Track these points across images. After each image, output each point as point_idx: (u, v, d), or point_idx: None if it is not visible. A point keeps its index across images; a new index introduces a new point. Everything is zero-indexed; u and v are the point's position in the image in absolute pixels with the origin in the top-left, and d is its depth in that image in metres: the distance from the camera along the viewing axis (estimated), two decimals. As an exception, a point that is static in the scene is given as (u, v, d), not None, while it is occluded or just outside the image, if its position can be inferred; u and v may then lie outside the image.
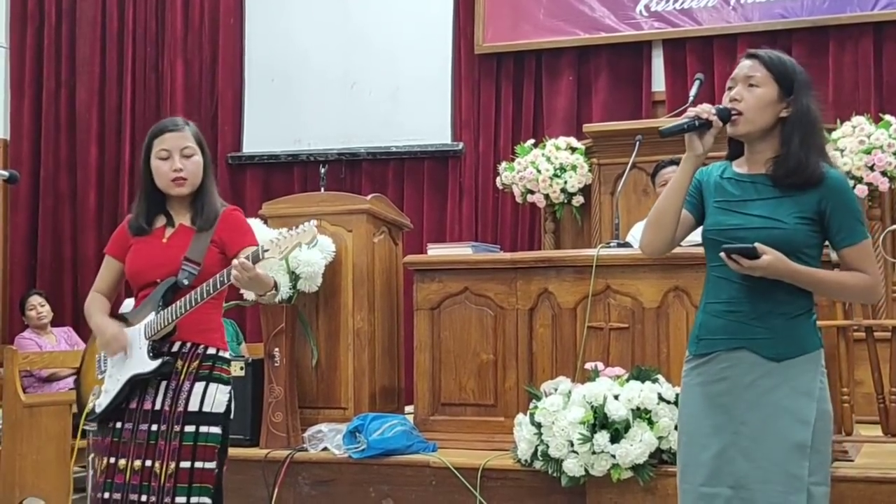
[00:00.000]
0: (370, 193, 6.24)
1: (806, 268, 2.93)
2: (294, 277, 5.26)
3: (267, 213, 5.71)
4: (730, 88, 3.09)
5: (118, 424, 3.67)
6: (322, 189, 6.77)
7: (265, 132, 9.04)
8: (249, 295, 5.20)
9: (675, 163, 5.85)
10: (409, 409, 5.78)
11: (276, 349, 5.36)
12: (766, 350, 2.97)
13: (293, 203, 5.86)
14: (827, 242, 3.06)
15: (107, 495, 3.63)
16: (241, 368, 5.44)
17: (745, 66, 3.07)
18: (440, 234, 8.41)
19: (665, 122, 6.62)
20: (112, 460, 3.64)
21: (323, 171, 7.12)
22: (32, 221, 9.48)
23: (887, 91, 7.51)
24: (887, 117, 6.29)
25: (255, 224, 5.27)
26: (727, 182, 3.10)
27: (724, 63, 7.88)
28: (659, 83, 8.15)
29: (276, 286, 3.66)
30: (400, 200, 8.37)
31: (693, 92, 6.49)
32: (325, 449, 5.12)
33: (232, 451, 5.09)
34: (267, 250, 3.43)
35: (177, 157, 3.70)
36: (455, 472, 4.82)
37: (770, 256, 2.86)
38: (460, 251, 5.52)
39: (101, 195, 9.29)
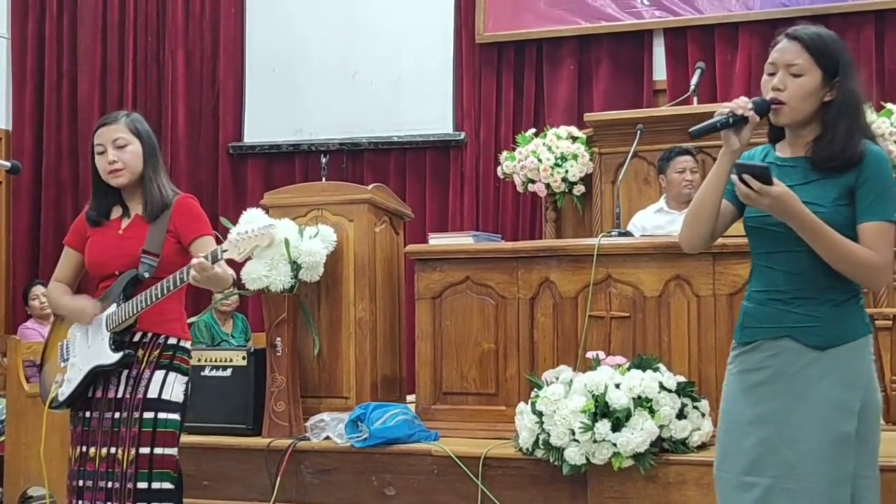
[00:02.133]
0: (372, 183, 6.24)
1: (815, 217, 2.79)
2: (296, 267, 5.27)
3: (268, 203, 5.71)
4: (770, 74, 2.96)
5: (87, 414, 3.77)
6: (323, 179, 6.79)
7: (266, 122, 9.05)
8: (252, 284, 5.22)
9: (689, 152, 5.88)
10: (410, 398, 5.78)
11: (278, 338, 5.37)
12: (810, 338, 2.87)
13: (295, 193, 5.86)
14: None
15: (80, 483, 3.74)
16: (244, 358, 5.45)
17: (786, 50, 2.95)
18: (442, 224, 8.42)
19: (669, 109, 6.64)
20: (84, 449, 3.75)
21: (324, 160, 7.15)
22: (34, 211, 9.50)
23: (889, 79, 7.51)
24: (889, 106, 6.28)
25: (256, 214, 5.29)
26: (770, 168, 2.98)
27: (725, 52, 7.89)
28: (660, 72, 8.16)
29: (234, 283, 3.74)
30: (401, 190, 8.38)
31: (694, 81, 6.50)
32: (327, 438, 5.13)
33: (234, 441, 5.17)
34: (226, 250, 3.52)
35: (110, 149, 3.79)
36: (457, 460, 4.82)
37: (781, 188, 2.73)
38: (461, 240, 5.51)
39: (102, 185, 9.29)
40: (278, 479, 5.05)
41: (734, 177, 2.80)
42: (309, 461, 5.08)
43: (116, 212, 3.89)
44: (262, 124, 9.07)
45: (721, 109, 2.94)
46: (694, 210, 3.07)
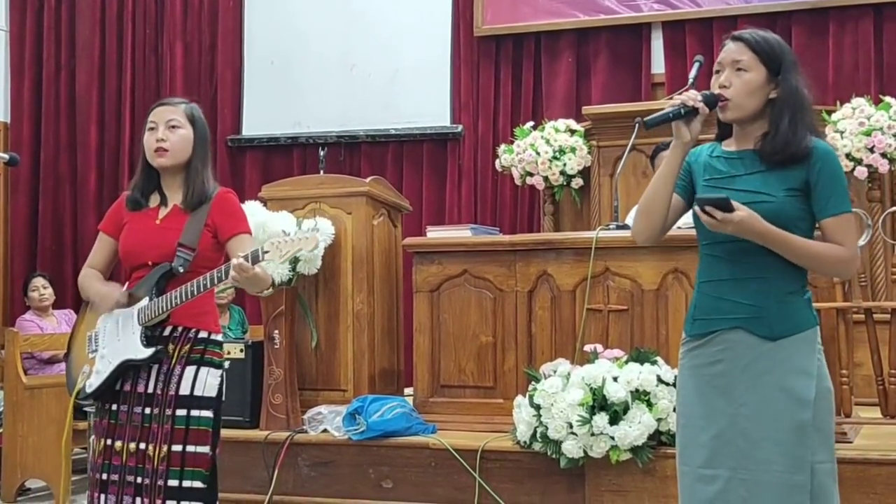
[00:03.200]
0: (369, 176, 6.23)
1: (779, 230, 2.89)
2: (294, 260, 5.27)
3: (266, 196, 5.71)
4: (717, 72, 3.05)
5: (114, 406, 3.70)
6: (321, 172, 6.76)
7: (265, 115, 9.03)
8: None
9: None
10: (408, 391, 5.79)
11: (276, 331, 5.37)
12: (761, 329, 2.94)
13: (292, 186, 5.87)
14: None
15: (104, 476, 3.67)
16: (241, 350, 5.45)
17: (731, 50, 3.04)
18: (439, 217, 8.41)
19: (662, 103, 6.62)
20: (109, 442, 3.68)
21: (322, 153, 7.11)
22: (33, 204, 9.48)
23: (887, 73, 7.49)
24: (887, 99, 6.28)
25: (254, 207, 5.29)
26: (716, 160, 3.09)
27: (724, 45, 7.86)
28: (658, 65, 8.14)
29: (273, 283, 3.65)
30: (399, 183, 8.37)
31: (693, 74, 6.44)
32: (324, 431, 5.13)
33: (232, 433, 5.15)
34: (267, 252, 3.44)
35: (161, 127, 3.74)
36: (454, 453, 4.83)
37: (744, 213, 2.83)
38: (459, 233, 5.51)
39: (101, 177, 9.29)
40: (276, 471, 5.06)
41: (696, 208, 2.91)
42: (306, 454, 5.09)
43: (154, 199, 3.82)
44: (261, 117, 9.06)
45: (673, 101, 3.04)
46: (646, 203, 3.16)
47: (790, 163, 2.95)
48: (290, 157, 9.01)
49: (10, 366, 6.37)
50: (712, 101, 3.00)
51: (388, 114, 8.65)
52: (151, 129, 3.76)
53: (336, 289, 5.60)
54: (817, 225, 2.99)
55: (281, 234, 3.51)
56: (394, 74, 8.67)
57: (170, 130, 3.73)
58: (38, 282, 7.89)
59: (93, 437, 3.78)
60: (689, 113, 3.00)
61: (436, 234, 5.60)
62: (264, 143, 9.06)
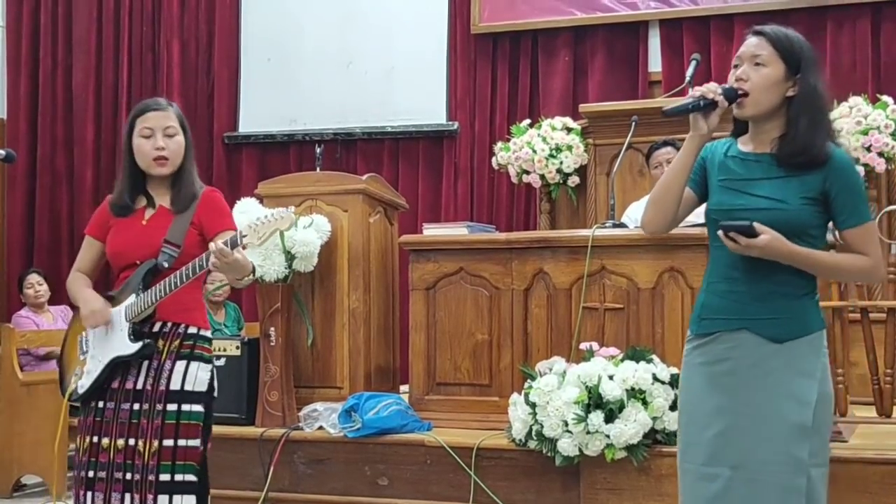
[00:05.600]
0: (365, 173, 6.23)
1: (804, 249, 2.88)
2: (290, 257, 5.27)
3: (263, 193, 5.70)
4: (736, 66, 3.02)
5: (100, 404, 3.70)
6: (318, 169, 6.76)
7: (261, 112, 9.03)
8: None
9: (670, 143, 5.88)
10: (404, 388, 5.79)
11: (272, 328, 5.37)
12: (767, 331, 2.93)
13: (289, 183, 5.86)
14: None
15: (91, 474, 3.67)
16: (237, 347, 5.45)
17: (751, 44, 3.01)
18: (435, 214, 8.41)
19: (665, 101, 6.63)
20: (95, 439, 3.68)
21: (318, 150, 7.12)
22: (29, 200, 9.47)
23: (885, 72, 7.50)
24: (884, 98, 6.28)
25: (250, 203, 5.29)
26: (731, 161, 3.04)
27: (721, 43, 7.88)
28: (655, 63, 8.14)
29: (253, 270, 3.68)
30: (395, 180, 8.37)
31: (689, 72, 6.48)
32: (320, 428, 5.13)
33: (227, 430, 5.16)
34: (245, 236, 3.46)
35: (159, 135, 3.73)
36: (450, 451, 4.83)
37: (768, 236, 2.82)
38: (456, 231, 5.51)
39: (97, 174, 9.28)
40: (271, 468, 5.06)
41: (720, 233, 2.89)
42: (302, 451, 5.09)
43: (140, 201, 3.81)
44: (257, 114, 9.06)
45: (693, 92, 3.01)
46: (658, 193, 3.12)
47: (808, 168, 2.91)
48: (286, 154, 9.01)
49: (5, 362, 6.36)
50: (732, 95, 2.96)
51: (384, 111, 8.65)
52: (148, 136, 3.73)
53: (332, 286, 5.60)
54: (838, 234, 2.98)
55: (257, 217, 3.52)
56: (390, 72, 8.67)
57: (168, 138, 3.73)
58: (34, 278, 7.89)
59: (79, 435, 3.77)
60: (707, 105, 2.97)
61: (432, 231, 5.60)
62: (261, 139, 9.06)
